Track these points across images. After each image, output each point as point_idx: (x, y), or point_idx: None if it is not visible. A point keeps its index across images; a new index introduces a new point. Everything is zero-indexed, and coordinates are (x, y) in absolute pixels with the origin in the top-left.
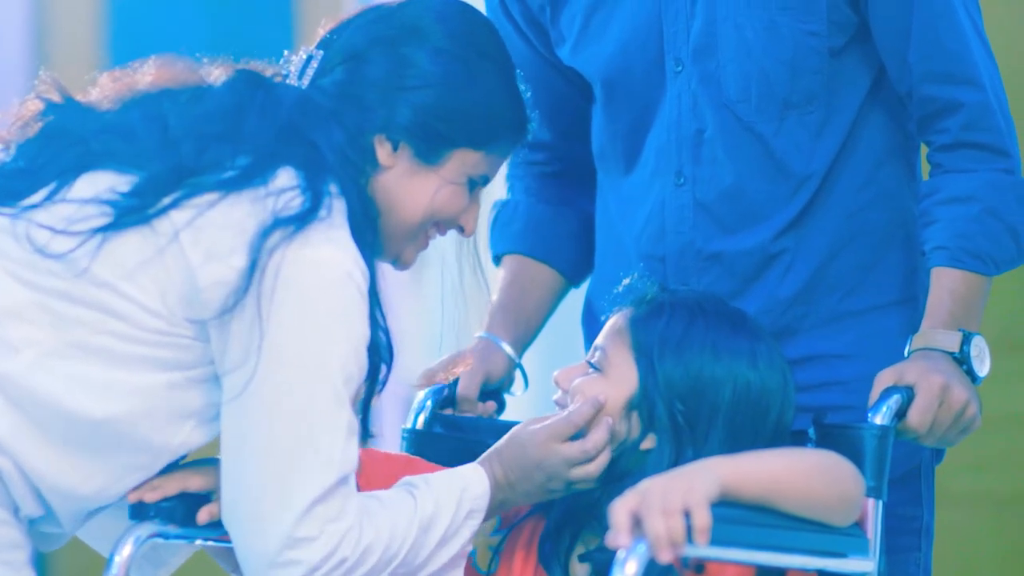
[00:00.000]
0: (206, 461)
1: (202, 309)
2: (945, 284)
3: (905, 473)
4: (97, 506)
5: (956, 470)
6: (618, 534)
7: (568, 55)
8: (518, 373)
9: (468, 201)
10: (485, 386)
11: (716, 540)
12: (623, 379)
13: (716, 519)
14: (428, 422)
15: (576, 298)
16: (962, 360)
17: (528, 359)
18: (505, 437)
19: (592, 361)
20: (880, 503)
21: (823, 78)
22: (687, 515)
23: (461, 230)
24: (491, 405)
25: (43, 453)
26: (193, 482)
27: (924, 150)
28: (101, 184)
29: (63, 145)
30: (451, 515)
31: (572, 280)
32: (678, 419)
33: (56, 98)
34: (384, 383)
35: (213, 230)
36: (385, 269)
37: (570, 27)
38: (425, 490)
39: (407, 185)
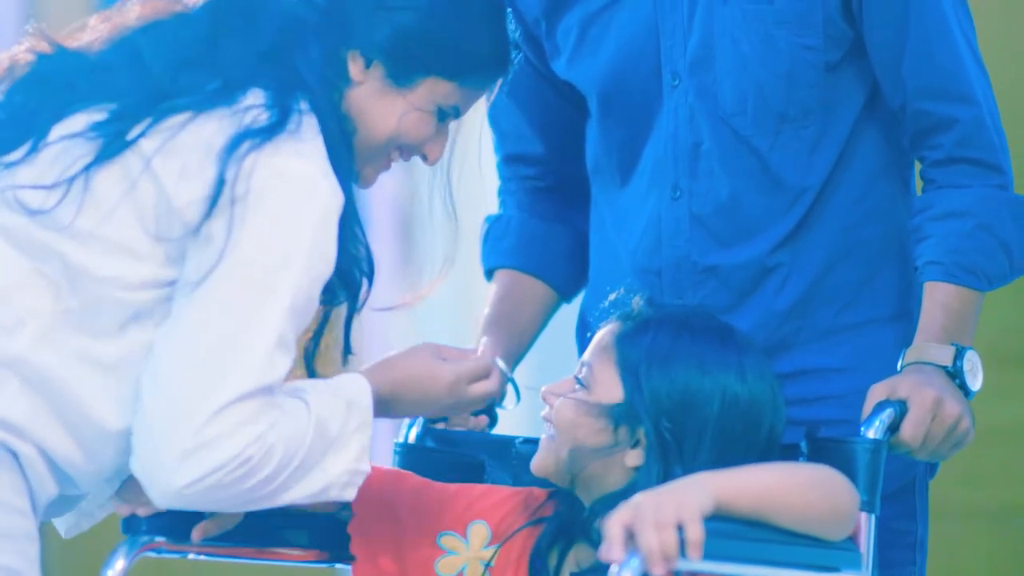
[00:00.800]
0: None
1: (181, 228)
2: (938, 298)
3: (899, 487)
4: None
5: (949, 483)
6: (612, 548)
7: (563, 68)
8: (510, 387)
9: (435, 130)
10: None
11: (709, 554)
12: (609, 396)
13: (709, 533)
14: (420, 436)
15: (568, 312)
16: (955, 374)
17: (520, 373)
18: (398, 353)
19: (579, 376)
20: (873, 517)
21: (819, 92)
22: (680, 529)
23: (425, 158)
24: (483, 419)
25: (61, 434)
26: None
27: (918, 166)
28: (78, 124)
29: (48, 92)
30: (341, 421)
31: (565, 295)
32: (665, 436)
33: (45, 48)
34: (365, 300)
35: (184, 151)
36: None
37: (566, 40)
38: (315, 395)
39: (375, 104)
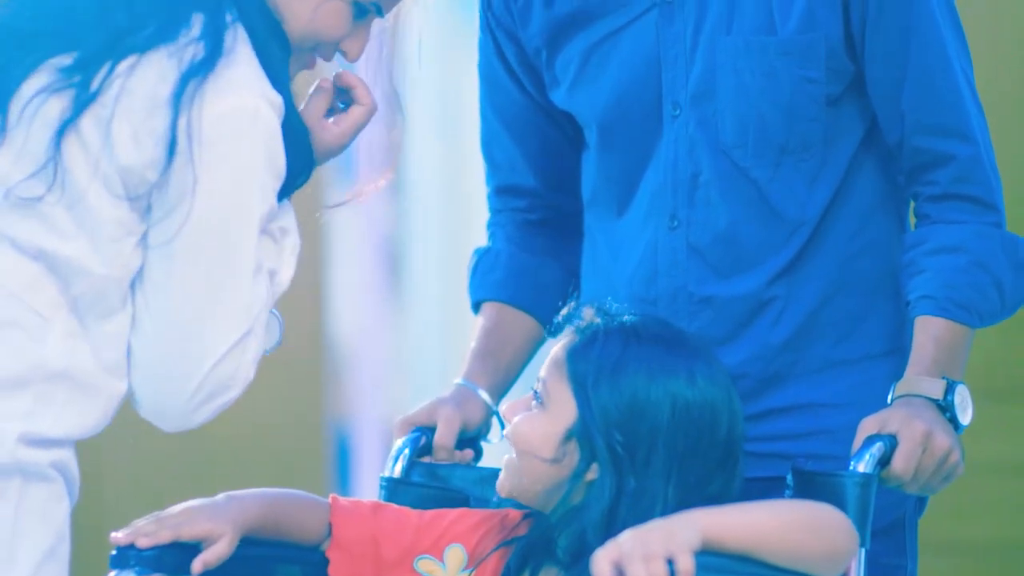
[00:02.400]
0: (200, 506)
1: (145, 186)
2: (930, 332)
3: (889, 523)
4: None
5: (937, 518)
6: None
7: (564, 98)
8: (495, 420)
9: (352, 25)
10: (462, 434)
11: None
12: (563, 411)
13: (699, 567)
14: (406, 470)
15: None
16: (945, 408)
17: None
18: None
19: (536, 391)
20: (863, 551)
21: (820, 126)
22: (670, 562)
23: (345, 55)
24: (468, 453)
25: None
26: (186, 531)
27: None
28: (45, 77)
29: (13, 44)
30: None
31: (552, 330)
32: (617, 449)
33: None
34: (307, 178)
35: (133, 111)
36: None
37: (566, 70)
38: None
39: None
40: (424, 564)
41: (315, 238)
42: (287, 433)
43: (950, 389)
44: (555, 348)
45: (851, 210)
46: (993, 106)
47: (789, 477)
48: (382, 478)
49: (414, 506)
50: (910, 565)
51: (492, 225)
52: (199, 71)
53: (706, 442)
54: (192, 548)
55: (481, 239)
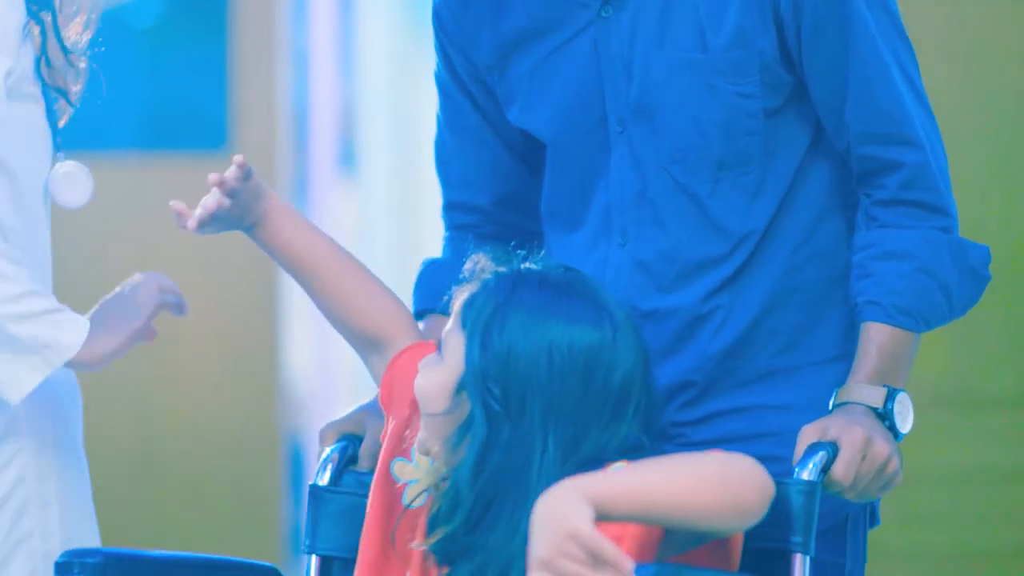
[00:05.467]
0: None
1: None
2: (874, 339)
3: (832, 524)
4: None
5: (890, 526)
6: None
7: (517, 116)
8: None
9: None
10: None
11: None
12: (455, 362)
13: None
14: (334, 479)
15: None
16: (885, 416)
17: None
18: None
19: (439, 349)
20: (808, 559)
21: (759, 139)
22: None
23: None
24: None
25: None
26: None
27: None
28: None
29: None
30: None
31: None
32: (489, 399)
33: None
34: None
35: None
36: None
37: (518, 87)
38: None
39: None
40: (399, 467)
41: None
42: (242, 441)
43: (890, 397)
44: (455, 294)
45: (798, 220)
46: (945, 110)
47: None
48: (311, 486)
49: (341, 515)
50: (850, 564)
51: (445, 239)
52: None
53: (592, 389)
54: (141, 561)
55: (435, 244)
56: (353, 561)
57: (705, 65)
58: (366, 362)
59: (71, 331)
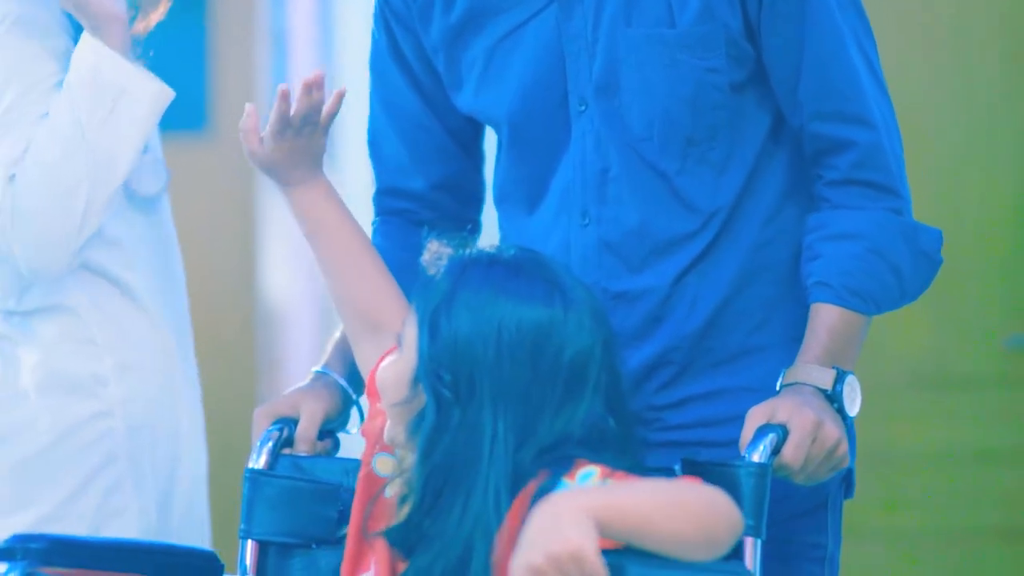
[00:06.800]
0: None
1: None
2: (824, 320)
3: (814, 504)
4: None
5: (870, 507)
6: None
7: (469, 99)
8: (354, 410)
9: None
10: (323, 424)
11: None
12: (411, 353)
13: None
14: (270, 462)
15: None
16: (833, 398)
17: None
18: None
19: (399, 341)
20: (759, 542)
21: (726, 114)
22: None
23: None
24: (328, 443)
25: None
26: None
27: None
28: None
29: None
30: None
31: None
32: (438, 383)
33: None
34: None
35: None
36: None
37: (470, 71)
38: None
39: None
40: (380, 461)
41: (247, 216)
42: (219, 417)
43: (840, 379)
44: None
45: (763, 197)
46: (924, 93)
47: (677, 468)
48: (247, 470)
49: (280, 499)
50: (831, 545)
51: (375, 224)
52: None
53: (541, 368)
54: (84, 546)
55: None
56: (290, 546)
57: (673, 40)
58: (358, 349)
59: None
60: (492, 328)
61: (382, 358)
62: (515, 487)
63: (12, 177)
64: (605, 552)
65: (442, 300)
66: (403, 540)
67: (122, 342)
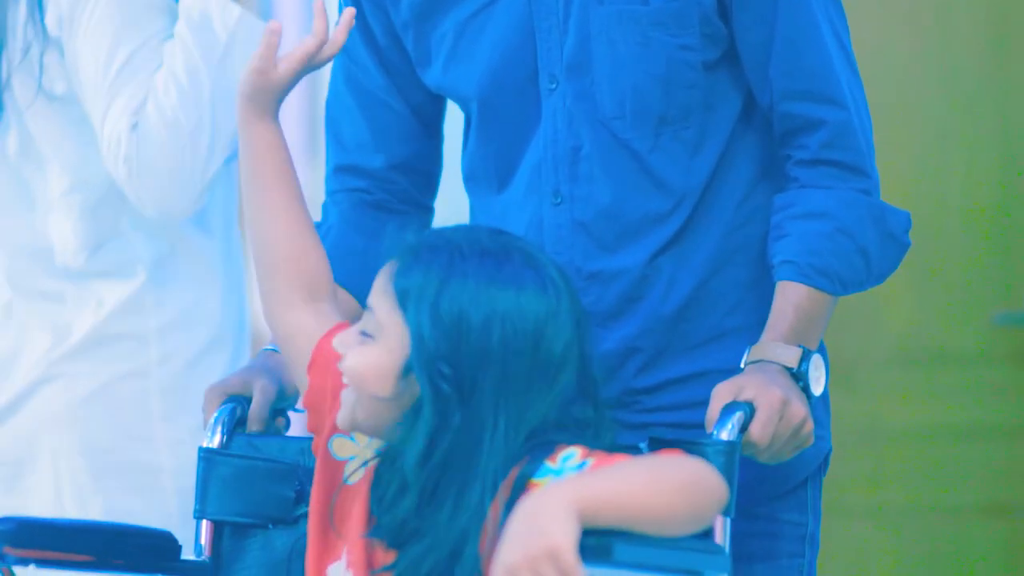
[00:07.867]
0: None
1: None
2: (790, 298)
3: (794, 485)
4: None
5: (854, 484)
6: None
7: (438, 76)
8: None
9: None
10: (275, 403)
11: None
12: (397, 343)
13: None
14: (224, 442)
15: None
16: (798, 377)
17: None
18: None
19: (364, 329)
20: (728, 520)
21: (699, 92)
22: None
23: None
24: (280, 422)
25: None
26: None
27: None
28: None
29: None
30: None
31: None
32: (441, 384)
33: None
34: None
35: None
36: None
37: (439, 47)
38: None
39: None
40: (338, 443)
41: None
42: None
43: (805, 358)
44: (380, 274)
45: (736, 178)
46: (907, 74)
47: (643, 447)
48: (200, 449)
49: (234, 478)
50: (812, 524)
51: (327, 204)
52: None
53: (539, 359)
54: (51, 528)
55: None
56: (244, 526)
57: (646, 17)
58: (288, 314)
59: None
60: (496, 317)
61: (329, 333)
62: (505, 476)
63: (135, 125)
64: (591, 531)
65: (437, 291)
66: (394, 536)
67: (175, 306)
